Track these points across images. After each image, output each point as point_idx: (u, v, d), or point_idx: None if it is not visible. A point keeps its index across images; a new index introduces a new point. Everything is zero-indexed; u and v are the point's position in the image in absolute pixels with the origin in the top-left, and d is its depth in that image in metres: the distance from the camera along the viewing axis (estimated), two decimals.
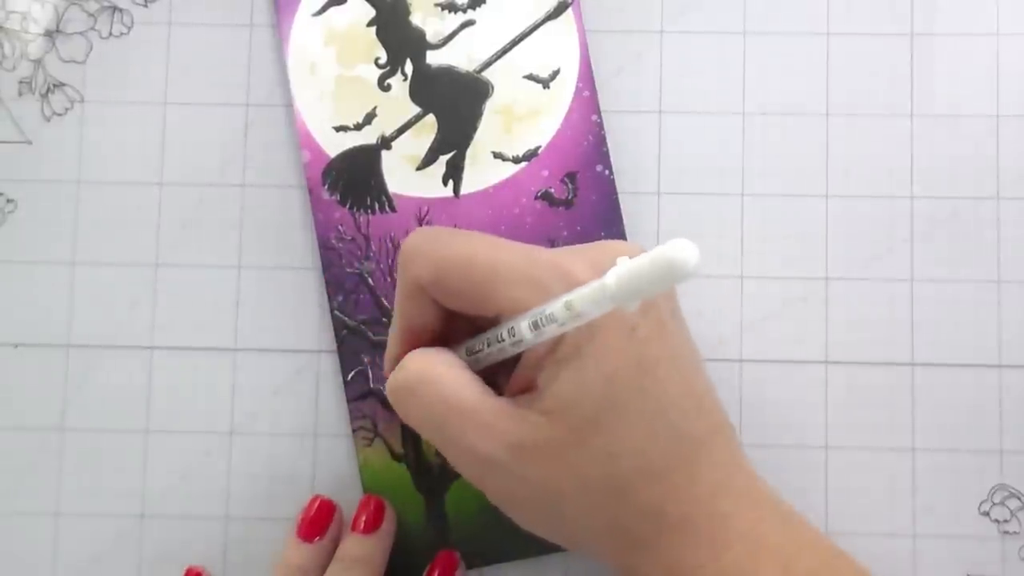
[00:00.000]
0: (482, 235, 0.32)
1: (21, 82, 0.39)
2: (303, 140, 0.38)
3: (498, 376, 0.32)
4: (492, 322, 0.30)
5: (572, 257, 0.29)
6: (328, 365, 0.38)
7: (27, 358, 0.38)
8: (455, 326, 0.32)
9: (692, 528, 0.29)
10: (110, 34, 0.40)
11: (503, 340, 0.29)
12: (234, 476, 0.38)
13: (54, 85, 0.39)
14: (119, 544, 0.38)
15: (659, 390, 0.29)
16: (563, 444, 0.29)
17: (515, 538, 0.36)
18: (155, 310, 0.38)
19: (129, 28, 0.40)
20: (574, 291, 0.26)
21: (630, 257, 0.25)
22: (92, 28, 0.40)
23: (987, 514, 0.37)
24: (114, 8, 0.40)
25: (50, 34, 0.40)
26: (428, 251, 0.31)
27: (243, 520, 0.38)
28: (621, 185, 0.38)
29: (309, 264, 0.39)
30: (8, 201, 0.39)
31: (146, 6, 0.40)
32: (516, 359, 0.30)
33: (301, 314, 0.38)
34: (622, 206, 0.38)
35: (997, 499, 0.37)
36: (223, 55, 0.39)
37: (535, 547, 0.36)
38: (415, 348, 0.32)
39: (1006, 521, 0.37)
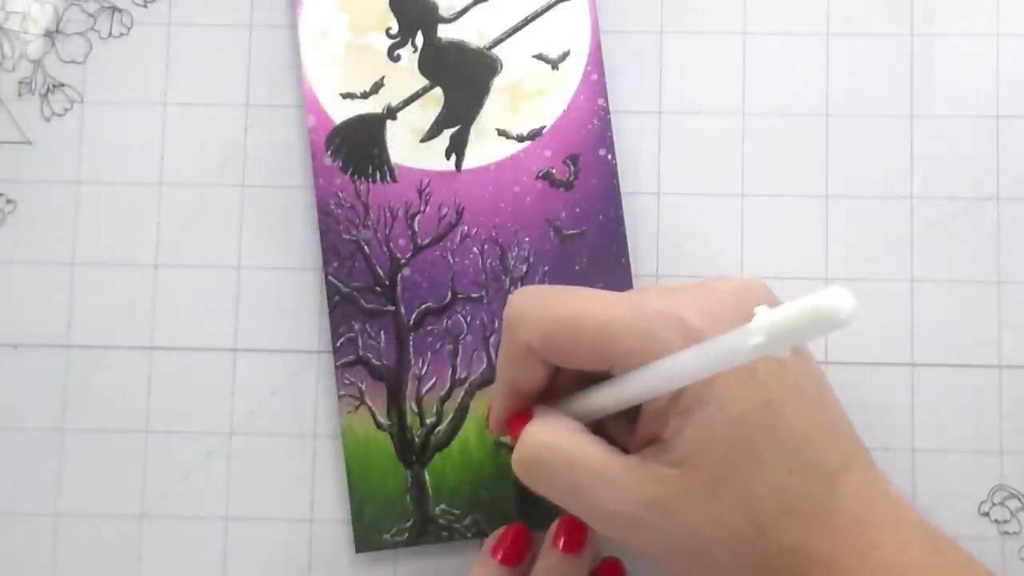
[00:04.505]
0: (586, 291, 0.32)
1: (21, 82, 0.39)
2: (309, 105, 0.38)
3: (609, 430, 0.32)
4: (603, 375, 0.31)
5: (680, 301, 0.29)
6: (328, 365, 0.38)
7: (27, 358, 0.38)
8: (558, 378, 0.32)
9: (838, 561, 0.29)
10: (110, 34, 0.40)
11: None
12: (234, 476, 0.38)
13: (54, 85, 0.39)
14: (119, 544, 0.38)
15: (788, 428, 0.29)
16: (699, 494, 0.29)
17: (492, 512, 0.37)
18: (155, 310, 0.39)
19: (129, 28, 0.40)
20: (732, 333, 0.26)
21: (744, 298, 0.25)
22: (92, 28, 0.40)
23: (987, 515, 0.37)
24: (114, 8, 0.40)
25: (50, 34, 0.40)
26: (536, 314, 0.31)
27: (243, 520, 0.38)
28: (621, 186, 0.38)
29: (309, 264, 0.39)
30: (8, 201, 0.39)
31: (146, 6, 0.40)
32: (626, 414, 0.31)
33: (301, 314, 0.38)
34: (623, 206, 0.38)
35: (997, 499, 0.37)
36: (223, 55, 0.39)
37: (509, 522, 0.36)
38: (521, 407, 0.32)
39: (1006, 522, 0.37)
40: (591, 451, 0.30)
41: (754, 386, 0.29)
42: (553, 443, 0.31)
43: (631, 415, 0.31)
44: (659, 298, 0.30)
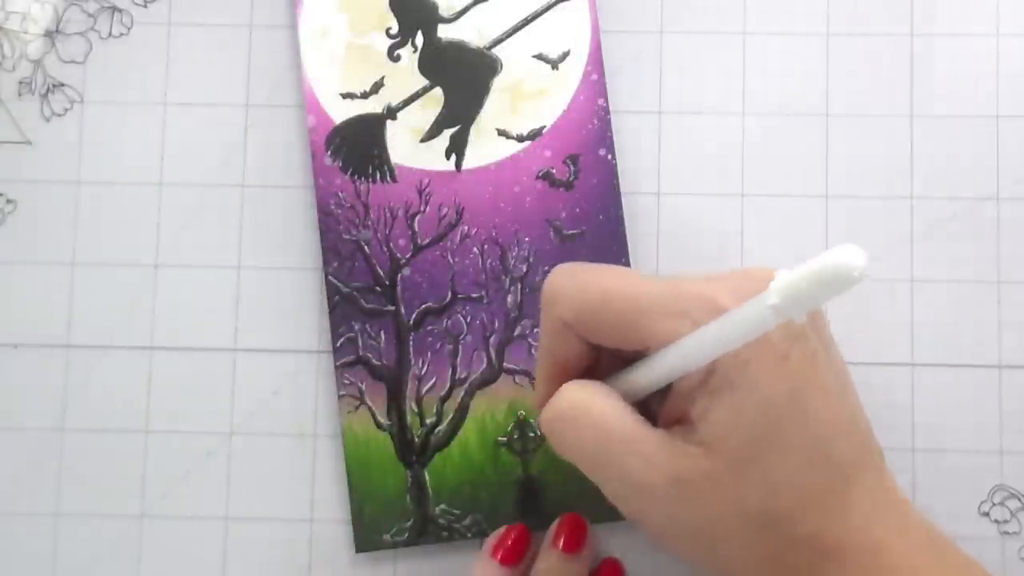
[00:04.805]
0: (622, 269, 0.32)
1: (21, 82, 0.39)
2: (309, 105, 0.38)
3: (654, 413, 0.32)
4: (640, 354, 0.31)
5: (715, 285, 0.29)
6: (328, 365, 0.38)
7: (27, 358, 0.38)
8: (602, 359, 0.32)
9: (846, 558, 0.29)
10: (110, 34, 0.40)
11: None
12: (234, 476, 0.38)
13: (54, 85, 0.39)
14: (119, 544, 0.38)
15: (813, 418, 0.29)
16: (721, 476, 0.29)
17: (492, 512, 0.37)
18: (155, 310, 0.39)
19: (129, 28, 0.40)
20: (748, 303, 0.26)
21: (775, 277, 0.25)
22: (92, 28, 0.40)
23: (987, 515, 0.37)
24: (114, 8, 0.40)
25: (50, 34, 0.40)
26: (571, 291, 0.31)
27: (243, 520, 0.38)
28: (621, 186, 0.38)
29: (309, 264, 0.39)
30: (8, 201, 0.39)
31: (146, 6, 0.40)
32: (663, 392, 0.31)
33: (301, 314, 0.38)
34: (623, 206, 0.38)
35: (997, 499, 0.37)
36: (223, 55, 0.39)
37: (509, 522, 0.36)
38: (562, 384, 0.32)
39: (1006, 522, 0.37)
40: (623, 417, 0.30)
41: (785, 373, 0.28)
42: (586, 404, 0.30)
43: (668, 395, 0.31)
44: (694, 282, 0.30)
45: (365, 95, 0.39)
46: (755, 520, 0.29)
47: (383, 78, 0.39)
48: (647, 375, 0.30)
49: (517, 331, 0.38)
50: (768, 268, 0.30)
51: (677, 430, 0.30)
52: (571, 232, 0.38)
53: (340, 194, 0.38)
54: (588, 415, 0.30)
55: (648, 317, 0.29)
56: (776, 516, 0.29)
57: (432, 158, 0.38)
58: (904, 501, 0.30)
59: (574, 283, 0.31)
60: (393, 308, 0.38)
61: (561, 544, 0.35)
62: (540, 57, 0.39)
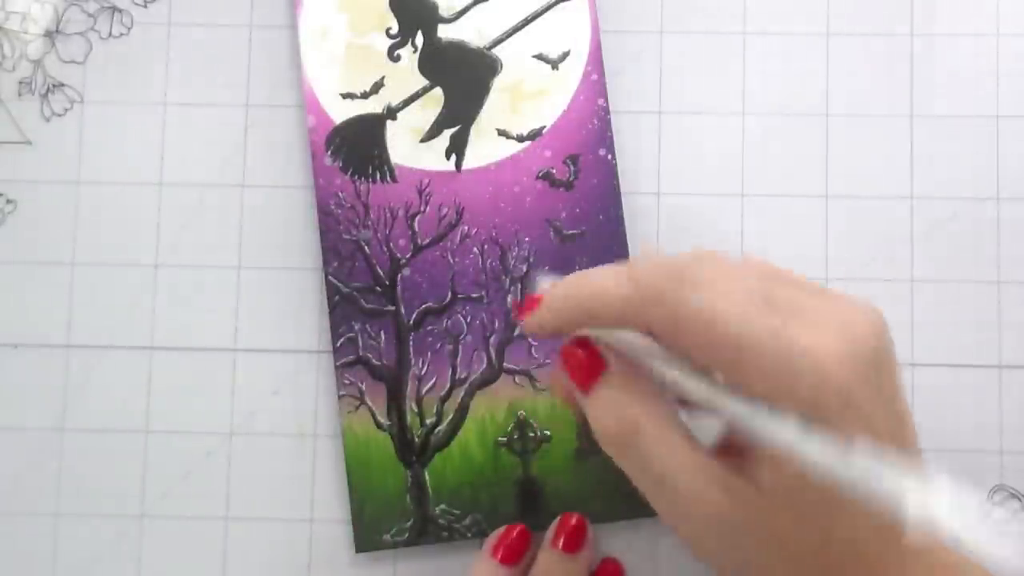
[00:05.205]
0: (727, 282, 0.27)
1: (21, 82, 0.39)
2: (309, 105, 0.38)
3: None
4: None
5: (825, 344, 0.26)
6: (328, 365, 0.38)
7: (27, 358, 0.38)
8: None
9: None
10: (110, 34, 0.40)
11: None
12: (234, 476, 0.38)
13: (54, 85, 0.39)
14: (119, 544, 0.38)
15: None
16: (779, 524, 0.27)
17: (492, 512, 0.37)
18: (155, 310, 0.39)
19: (129, 28, 0.40)
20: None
21: (881, 360, 0.24)
22: (92, 28, 0.40)
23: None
24: (114, 8, 0.40)
25: (50, 34, 0.40)
26: (669, 299, 0.27)
27: (243, 520, 0.38)
28: (621, 186, 0.38)
29: (309, 264, 0.39)
30: (8, 201, 0.39)
31: (146, 6, 0.40)
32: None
33: (301, 314, 0.38)
34: (623, 206, 0.38)
35: (997, 500, 0.37)
36: (223, 55, 0.39)
37: (509, 522, 0.37)
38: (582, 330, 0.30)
39: (1006, 522, 0.37)
40: (681, 448, 0.28)
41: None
42: (646, 429, 0.29)
43: None
44: (802, 329, 0.27)
45: (365, 95, 0.39)
46: (808, 568, 0.28)
47: (383, 78, 0.39)
48: (723, 404, 0.28)
49: (517, 331, 0.38)
50: (864, 313, 0.28)
51: (737, 465, 0.28)
52: (571, 232, 0.38)
53: (340, 194, 0.38)
54: (648, 443, 0.29)
55: (747, 369, 0.27)
56: (829, 567, 0.28)
57: (432, 158, 0.38)
58: (958, 552, 0.29)
59: (675, 291, 0.27)
60: (393, 308, 0.38)
61: (561, 544, 0.35)
62: (540, 57, 0.39)
